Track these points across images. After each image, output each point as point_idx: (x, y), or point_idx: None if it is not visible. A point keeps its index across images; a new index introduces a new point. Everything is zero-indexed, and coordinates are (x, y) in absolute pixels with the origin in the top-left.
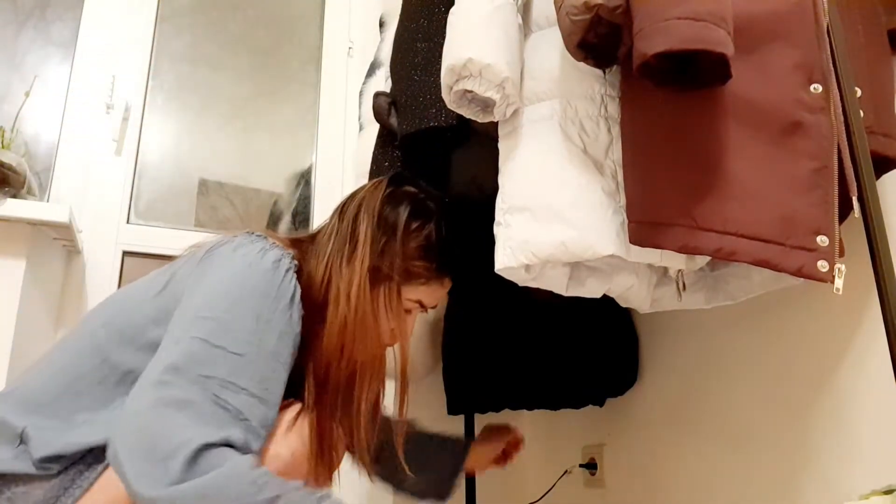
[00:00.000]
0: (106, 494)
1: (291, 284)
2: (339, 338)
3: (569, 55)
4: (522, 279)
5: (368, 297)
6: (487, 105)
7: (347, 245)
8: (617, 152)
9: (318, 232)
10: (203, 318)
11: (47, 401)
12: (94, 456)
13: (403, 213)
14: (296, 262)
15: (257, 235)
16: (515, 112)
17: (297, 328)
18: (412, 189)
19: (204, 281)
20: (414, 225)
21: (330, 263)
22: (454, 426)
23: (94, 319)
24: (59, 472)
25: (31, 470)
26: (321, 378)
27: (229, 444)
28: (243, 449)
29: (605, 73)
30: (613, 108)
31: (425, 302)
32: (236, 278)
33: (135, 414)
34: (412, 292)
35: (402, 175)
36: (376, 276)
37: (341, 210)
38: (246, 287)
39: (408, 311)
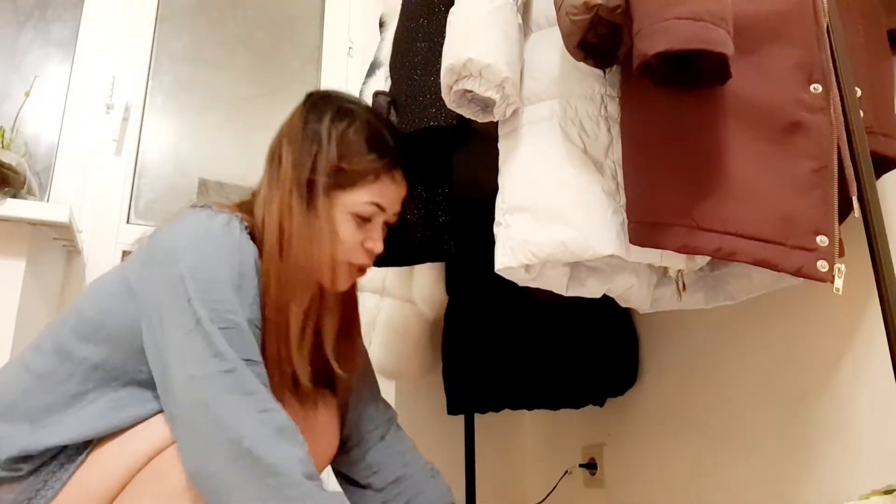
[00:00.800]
0: (80, 494)
1: (248, 244)
2: (277, 268)
3: (569, 55)
4: (522, 279)
5: (300, 216)
6: (487, 105)
7: (277, 178)
8: (617, 152)
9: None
10: (191, 294)
11: (12, 403)
12: (66, 456)
13: (326, 118)
14: (245, 223)
15: (201, 207)
16: (515, 112)
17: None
18: (330, 96)
19: (163, 259)
20: (340, 126)
21: (264, 205)
22: (454, 426)
23: (55, 323)
24: (30, 474)
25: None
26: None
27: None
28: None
29: (605, 72)
30: (613, 108)
31: (383, 203)
32: (198, 244)
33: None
34: (364, 194)
35: (317, 91)
36: (311, 190)
37: (270, 152)
38: (209, 251)
39: (367, 219)
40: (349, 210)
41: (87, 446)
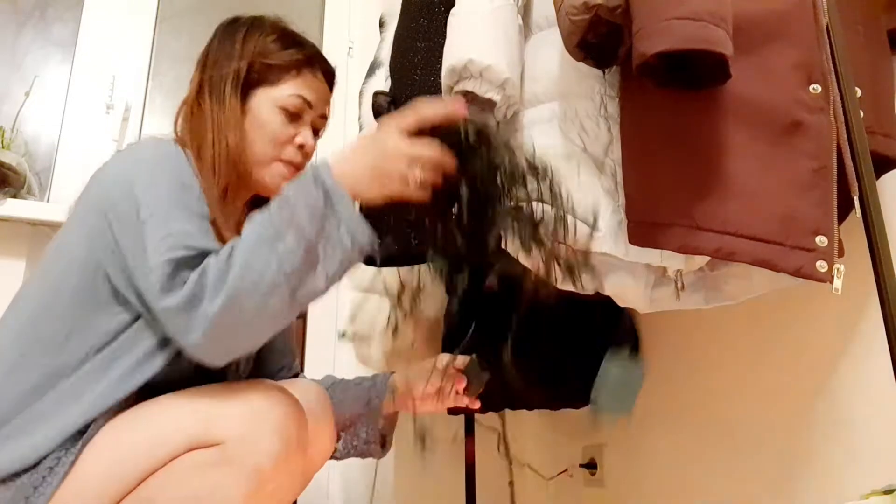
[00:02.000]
0: (77, 494)
1: (188, 162)
2: (209, 167)
3: (568, 56)
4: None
5: (228, 112)
6: (488, 106)
7: (196, 88)
8: (617, 151)
9: None
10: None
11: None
12: (60, 452)
13: (240, 31)
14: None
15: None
16: (515, 114)
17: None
18: (239, 17)
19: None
20: (254, 31)
21: (187, 116)
22: (454, 426)
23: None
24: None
25: None
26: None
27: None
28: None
29: (604, 72)
30: (613, 108)
31: (309, 97)
32: (138, 165)
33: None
34: (288, 87)
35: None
36: (234, 88)
37: (190, 81)
38: (153, 172)
39: (296, 115)
40: (276, 104)
41: (81, 435)
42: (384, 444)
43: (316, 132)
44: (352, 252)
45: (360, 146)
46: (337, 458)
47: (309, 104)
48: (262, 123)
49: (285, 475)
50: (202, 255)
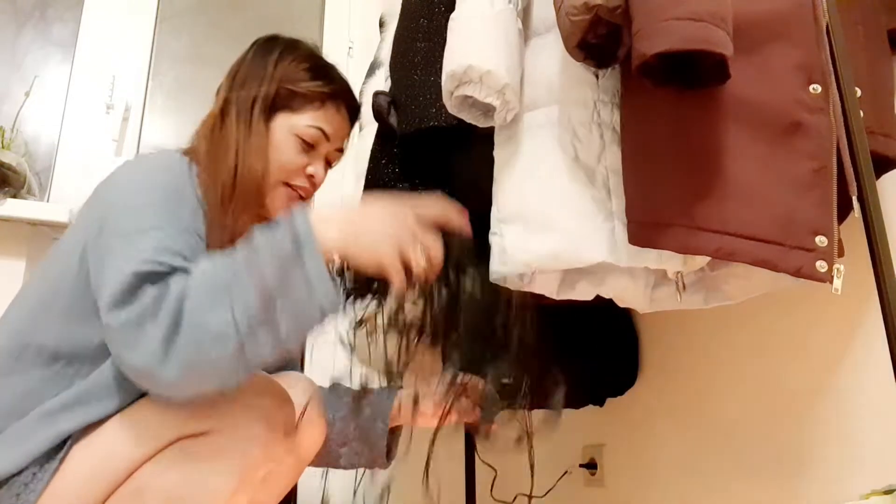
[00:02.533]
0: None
1: (191, 174)
2: (214, 183)
3: (564, 61)
4: (516, 285)
5: (243, 131)
6: (488, 110)
7: (220, 103)
8: (609, 158)
9: None
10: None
11: None
12: (38, 463)
13: (273, 52)
14: (194, 163)
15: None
16: (514, 118)
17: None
18: (277, 37)
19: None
20: (287, 55)
21: (208, 131)
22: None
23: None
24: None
25: None
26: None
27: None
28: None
29: (598, 78)
30: (606, 114)
31: (327, 130)
32: (136, 179)
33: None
34: (308, 118)
35: (265, 35)
36: (254, 109)
37: (217, 91)
38: (146, 183)
39: (312, 146)
40: (293, 131)
41: (60, 448)
42: (389, 455)
43: (329, 164)
44: (312, 313)
45: (366, 209)
46: (343, 468)
47: (326, 136)
48: (276, 148)
49: (275, 462)
50: (172, 270)
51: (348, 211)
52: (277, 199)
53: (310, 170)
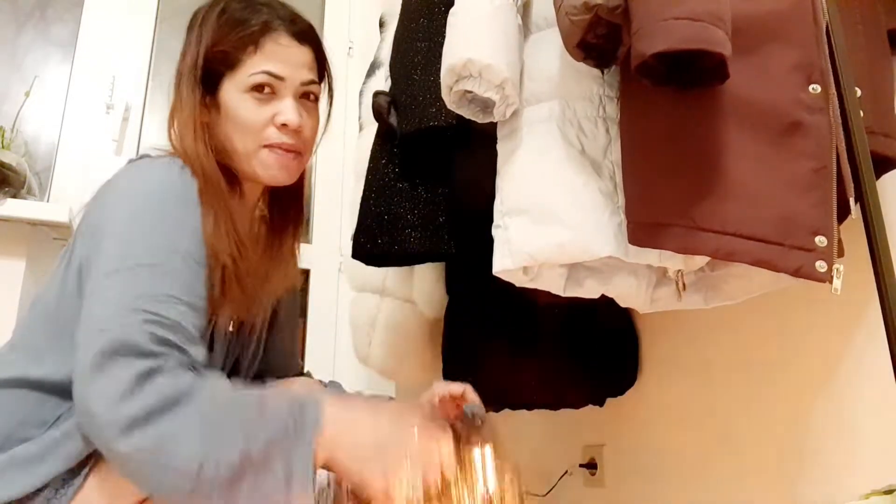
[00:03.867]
0: None
1: (191, 182)
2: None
3: (567, 56)
4: (520, 281)
5: (203, 113)
6: (487, 106)
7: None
8: (615, 153)
9: None
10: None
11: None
12: (60, 481)
13: (196, 20)
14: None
15: (139, 158)
16: (514, 113)
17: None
18: (201, 6)
19: (100, 219)
20: (209, 17)
21: (175, 126)
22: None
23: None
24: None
25: None
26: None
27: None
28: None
29: (603, 73)
30: (612, 109)
31: (273, 69)
32: (132, 195)
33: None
34: (248, 67)
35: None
36: (204, 86)
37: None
38: (141, 199)
39: (269, 93)
40: (240, 89)
41: (83, 466)
42: None
43: (308, 99)
44: (278, 495)
45: (375, 421)
46: None
47: (276, 76)
48: (234, 114)
49: None
50: (160, 350)
51: (361, 419)
52: (264, 165)
53: (278, 119)
